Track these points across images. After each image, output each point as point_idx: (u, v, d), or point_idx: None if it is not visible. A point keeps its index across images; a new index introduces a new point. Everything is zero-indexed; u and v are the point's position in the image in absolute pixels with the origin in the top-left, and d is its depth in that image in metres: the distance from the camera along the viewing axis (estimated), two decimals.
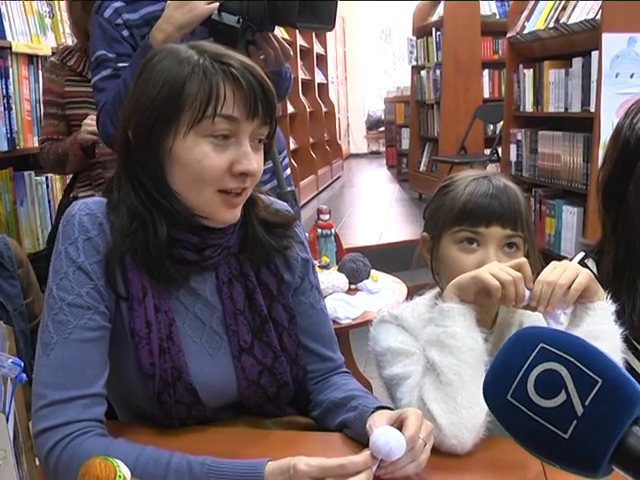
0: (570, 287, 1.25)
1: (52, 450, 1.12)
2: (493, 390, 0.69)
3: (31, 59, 3.03)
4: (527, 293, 1.26)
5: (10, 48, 2.85)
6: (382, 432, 1.07)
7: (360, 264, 2.91)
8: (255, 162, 1.23)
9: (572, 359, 0.64)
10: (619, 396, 0.62)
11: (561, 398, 0.63)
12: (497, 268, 1.27)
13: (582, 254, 1.57)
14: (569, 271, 1.26)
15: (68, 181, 2.85)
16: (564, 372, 0.63)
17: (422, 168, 8.33)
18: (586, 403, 0.62)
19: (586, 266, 1.49)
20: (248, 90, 1.19)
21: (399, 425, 1.12)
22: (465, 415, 1.20)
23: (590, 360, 0.63)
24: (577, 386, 0.63)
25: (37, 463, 1.12)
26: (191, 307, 1.30)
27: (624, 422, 0.61)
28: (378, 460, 1.06)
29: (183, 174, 1.22)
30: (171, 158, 1.21)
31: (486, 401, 0.69)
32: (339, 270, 2.92)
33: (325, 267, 2.93)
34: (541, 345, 0.66)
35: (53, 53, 2.75)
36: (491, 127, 7.53)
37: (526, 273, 1.27)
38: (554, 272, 1.26)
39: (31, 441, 1.00)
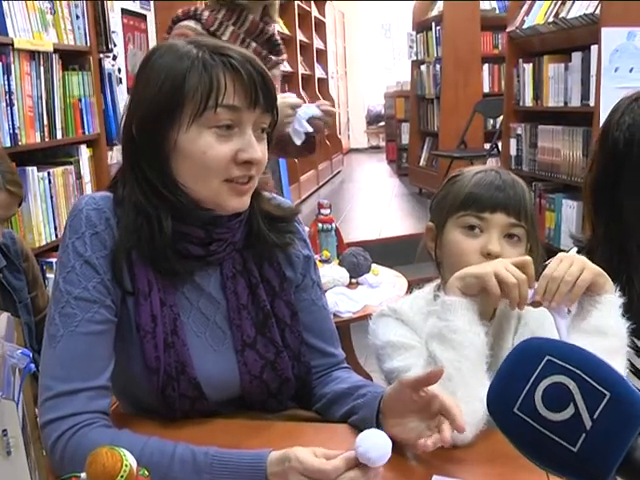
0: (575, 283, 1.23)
1: (58, 440, 1.14)
2: (498, 403, 0.68)
3: (33, 55, 3.03)
4: (530, 292, 1.25)
5: (12, 44, 2.85)
6: (364, 438, 1.03)
7: (361, 258, 2.92)
8: (259, 150, 1.24)
9: (579, 372, 0.63)
10: (627, 409, 0.61)
11: (569, 411, 0.63)
12: (503, 269, 1.24)
13: (575, 249, 1.57)
14: (575, 266, 1.24)
15: None
16: (572, 385, 0.63)
17: (422, 163, 8.35)
18: (594, 417, 0.61)
19: None
20: (248, 80, 1.21)
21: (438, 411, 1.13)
22: (465, 409, 1.19)
23: (597, 373, 0.63)
24: (585, 399, 0.62)
25: (44, 453, 1.14)
26: (195, 302, 1.31)
27: (632, 435, 0.61)
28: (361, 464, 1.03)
29: (189, 166, 1.23)
30: (176, 151, 1.23)
31: (491, 414, 0.68)
32: (340, 264, 2.93)
33: (326, 261, 2.94)
34: (547, 358, 0.65)
35: (189, 15, 2.40)
36: (491, 121, 7.55)
37: (530, 274, 1.25)
38: (560, 267, 1.24)
39: (38, 431, 1.01)
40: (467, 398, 1.21)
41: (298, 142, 2.42)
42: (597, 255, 1.50)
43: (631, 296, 1.37)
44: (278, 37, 2.56)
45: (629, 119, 1.45)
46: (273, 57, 2.53)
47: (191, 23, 2.39)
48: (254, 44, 2.44)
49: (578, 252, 1.54)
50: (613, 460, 0.61)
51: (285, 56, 2.61)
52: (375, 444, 1.02)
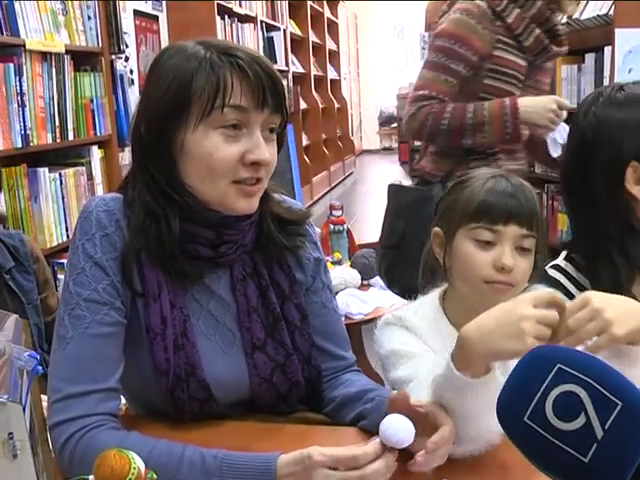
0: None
1: (67, 442, 1.14)
2: (508, 412, 0.66)
3: (45, 56, 3.04)
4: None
5: (24, 45, 2.86)
6: (391, 420, 1.06)
7: (372, 260, 2.92)
8: (267, 151, 1.23)
9: (591, 381, 0.63)
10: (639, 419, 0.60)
11: (581, 421, 0.62)
12: (535, 327, 1.03)
13: (565, 252, 1.56)
14: (594, 323, 1.03)
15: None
16: (583, 394, 0.62)
17: None
18: (606, 427, 0.61)
19: (562, 269, 1.50)
20: (256, 80, 1.20)
21: (432, 422, 1.10)
22: (471, 446, 1.16)
23: (609, 382, 0.62)
24: (597, 409, 0.61)
25: (53, 455, 1.13)
26: (205, 304, 1.31)
27: None
28: (388, 448, 1.05)
29: (196, 167, 1.22)
30: (183, 152, 1.22)
31: (500, 422, 0.67)
32: (351, 266, 2.93)
33: (337, 263, 2.94)
34: (558, 366, 0.64)
35: None
36: None
37: (562, 306, 1.06)
38: (579, 315, 1.04)
39: (46, 433, 1.01)
40: (475, 436, 1.15)
41: (554, 154, 2.28)
42: (579, 248, 1.51)
43: (615, 280, 1.37)
44: (561, 27, 2.45)
45: (595, 109, 1.47)
46: (555, 47, 2.42)
47: (477, 0, 2.36)
48: (538, 31, 2.34)
49: (563, 248, 1.54)
50: (625, 471, 0.60)
51: (566, 48, 2.48)
52: (401, 428, 1.05)
